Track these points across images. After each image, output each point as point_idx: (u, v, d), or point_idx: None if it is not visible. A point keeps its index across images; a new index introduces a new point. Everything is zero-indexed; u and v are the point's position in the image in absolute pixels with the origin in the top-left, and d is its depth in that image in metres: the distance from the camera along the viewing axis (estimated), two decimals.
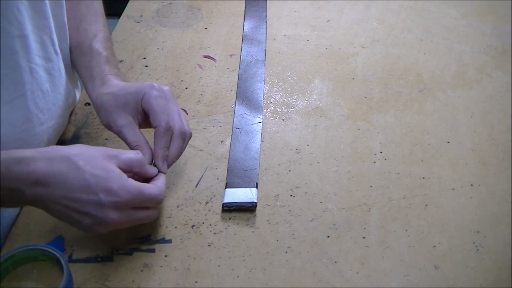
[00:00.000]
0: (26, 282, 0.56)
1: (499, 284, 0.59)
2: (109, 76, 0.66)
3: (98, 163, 0.54)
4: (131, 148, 0.62)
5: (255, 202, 0.65)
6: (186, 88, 0.83)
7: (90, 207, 0.53)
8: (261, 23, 0.97)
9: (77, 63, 0.71)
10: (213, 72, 0.87)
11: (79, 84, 0.81)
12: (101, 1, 0.76)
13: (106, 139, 0.75)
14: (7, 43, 0.57)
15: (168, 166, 0.62)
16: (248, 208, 0.65)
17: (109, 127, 0.64)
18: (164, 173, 0.61)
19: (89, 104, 0.80)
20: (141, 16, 0.98)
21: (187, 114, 0.78)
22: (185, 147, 0.65)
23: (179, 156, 0.63)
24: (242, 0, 1.03)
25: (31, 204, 0.54)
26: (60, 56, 0.68)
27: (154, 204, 0.58)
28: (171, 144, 0.62)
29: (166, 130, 0.61)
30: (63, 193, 0.52)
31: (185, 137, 0.63)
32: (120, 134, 0.63)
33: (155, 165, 0.61)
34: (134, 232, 0.64)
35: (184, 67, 0.87)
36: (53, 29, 0.65)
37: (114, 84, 0.65)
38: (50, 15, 0.64)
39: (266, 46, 0.91)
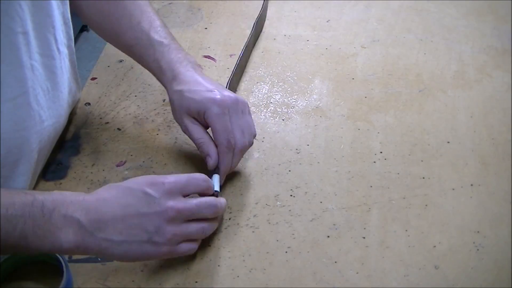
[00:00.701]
0: (26, 282, 0.56)
1: (499, 284, 0.59)
2: (179, 69, 0.68)
3: (136, 177, 0.56)
4: (197, 143, 0.66)
5: (217, 191, 0.63)
6: None
7: (144, 207, 0.53)
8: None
9: (142, 59, 0.71)
10: (213, 72, 0.87)
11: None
12: None
13: (106, 139, 0.75)
14: (10, 40, 0.57)
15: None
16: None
17: (178, 122, 0.68)
18: (219, 191, 0.64)
19: (89, 104, 0.80)
20: None
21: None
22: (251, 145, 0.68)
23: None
24: (242, 0, 1.03)
25: (92, 240, 0.52)
26: (64, 54, 0.68)
27: (206, 186, 0.58)
28: (232, 162, 0.65)
29: (228, 149, 0.64)
30: (113, 206, 0.52)
31: (245, 150, 0.67)
32: (186, 133, 0.67)
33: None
34: None
35: None
36: (58, 27, 0.65)
37: (183, 80, 0.67)
38: (56, 13, 0.64)
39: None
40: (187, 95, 0.66)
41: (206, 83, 0.67)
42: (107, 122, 0.77)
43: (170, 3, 1.02)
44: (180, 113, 0.67)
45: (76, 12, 0.74)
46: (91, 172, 0.70)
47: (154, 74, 0.71)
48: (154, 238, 0.53)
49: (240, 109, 0.65)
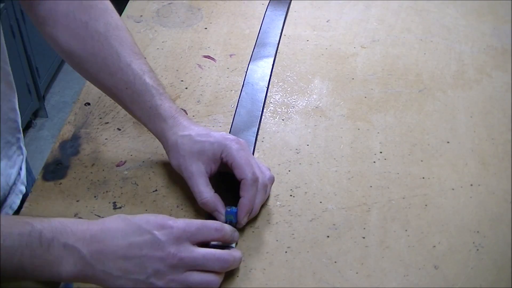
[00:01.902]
0: (26, 282, 0.56)
1: (499, 284, 0.59)
2: (180, 117, 0.66)
3: (149, 215, 0.54)
4: (197, 197, 0.63)
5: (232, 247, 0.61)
6: (186, 88, 0.83)
7: (147, 249, 0.51)
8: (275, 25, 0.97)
9: (133, 104, 0.67)
10: (213, 72, 0.87)
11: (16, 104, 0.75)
12: (125, 25, 0.71)
13: (106, 139, 0.75)
14: None
15: (248, 219, 0.63)
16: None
17: (179, 169, 0.65)
18: (242, 224, 0.62)
19: (89, 104, 0.80)
20: (141, 16, 0.98)
21: (186, 113, 0.78)
22: (268, 194, 0.66)
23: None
24: (242, 0, 1.03)
25: (91, 272, 0.51)
26: None
27: (218, 236, 0.55)
28: (256, 198, 0.63)
29: (254, 182, 0.62)
30: (118, 242, 0.51)
31: (267, 188, 0.65)
32: (189, 181, 0.64)
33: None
34: None
35: (184, 67, 0.87)
36: None
37: (190, 127, 0.65)
38: None
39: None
40: (199, 139, 0.64)
41: (212, 131, 0.66)
42: (107, 122, 0.77)
43: (170, 3, 1.02)
44: (188, 158, 0.63)
45: (54, 48, 0.69)
46: (91, 172, 0.70)
47: (147, 120, 0.67)
48: (151, 280, 0.51)
49: (250, 151, 0.66)
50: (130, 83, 0.66)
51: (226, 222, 0.62)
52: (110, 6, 0.70)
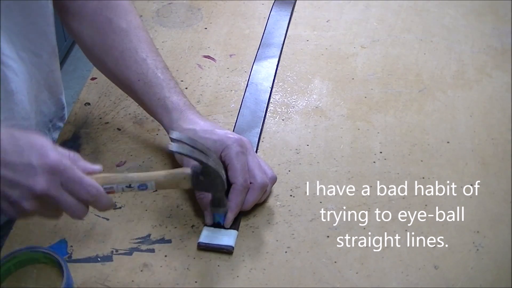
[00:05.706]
0: (26, 282, 0.56)
1: (499, 284, 0.59)
2: (187, 111, 0.67)
3: (35, 137, 0.53)
4: (198, 196, 0.64)
5: (232, 246, 0.62)
6: (186, 88, 0.83)
7: (20, 174, 0.50)
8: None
9: (143, 95, 0.69)
10: (213, 72, 0.87)
11: (63, 98, 0.81)
12: (146, 28, 0.75)
13: (106, 139, 0.75)
14: None
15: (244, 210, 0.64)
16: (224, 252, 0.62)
17: (181, 163, 0.66)
18: (226, 227, 0.63)
19: (89, 104, 0.80)
20: (141, 16, 0.98)
21: None
22: (268, 193, 0.66)
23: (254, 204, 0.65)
24: (242, 0, 1.03)
25: None
26: (27, 61, 0.67)
27: (85, 194, 0.53)
28: (249, 196, 0.63)
29: (243, 188, 0.63)
30: None
31: (266, 188, 0.65)
32: None
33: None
34: (134, 232, 0.64)
35: (184, 67, 0.87)
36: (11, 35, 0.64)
37: (195, 121, 0.66)
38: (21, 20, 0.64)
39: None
40: (203, 135, 0.65)
41: (218, 127, 0.66)
42: (107, 122, 0.77)
43: (170, 3, 1.02)
44: None
45: (77, 42, 0.74)
46: None
47: (155, 112, 0.69)
48: (16, 205, 0.51)
49: (253, 150, 0.66)
50: (142, 75, 0.69)
51: (214, 223, 0.63)
52: (135, 9, 0.75)
